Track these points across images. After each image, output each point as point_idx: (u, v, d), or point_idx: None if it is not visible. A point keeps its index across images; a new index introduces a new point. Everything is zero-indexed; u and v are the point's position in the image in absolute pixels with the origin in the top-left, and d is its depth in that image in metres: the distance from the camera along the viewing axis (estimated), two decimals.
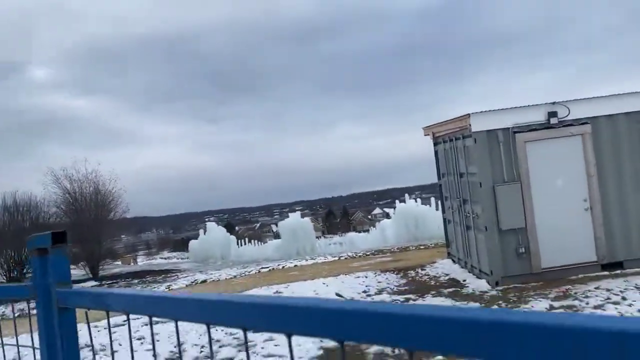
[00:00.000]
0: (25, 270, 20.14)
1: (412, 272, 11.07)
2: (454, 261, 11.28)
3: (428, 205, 21.91)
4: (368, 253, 16.25)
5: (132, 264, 33.16)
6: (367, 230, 34.34)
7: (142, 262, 35.44)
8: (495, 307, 7.80)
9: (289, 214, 24.36)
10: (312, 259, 16.69)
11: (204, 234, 26.10)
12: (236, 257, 24.38)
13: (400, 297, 9.05)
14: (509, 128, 9.05)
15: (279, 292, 10.70)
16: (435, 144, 11.62)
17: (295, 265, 15.00)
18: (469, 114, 9.05)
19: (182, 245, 46.68)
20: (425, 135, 12.05)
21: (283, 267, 15.06)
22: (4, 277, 19.75)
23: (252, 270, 15.40)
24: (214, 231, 26.09)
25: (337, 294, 9.34)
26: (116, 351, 7.51)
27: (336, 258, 15.60)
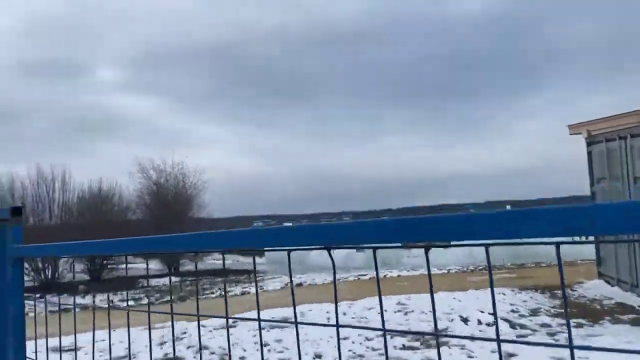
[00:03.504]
0: (106, 263, 19.76)
1: (559, 292, 9.42)
2: (609, 283, 9.53)
3: None
4: (480, 268, 14.62)
5: (198, 262, 32.80)
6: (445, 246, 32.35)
7: (208, 261, 35.09)
8: None
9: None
10: (409, 270, 15.24)
11: None
12: (313, 262, 23.31)
13: (572, 321, 7.45)
14: None
15: (403, 304, 9.36)
16: (589, 144, 9.94)
17: (399, 276, 13.61)
18: None
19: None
20: (572, 134, 10.39)
21: (385, 276, 13.69)
22: (87, 274, 19.36)
23: (348, 277, 14.15)
24: None
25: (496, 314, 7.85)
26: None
27: (444, 271, 14.07)
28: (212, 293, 13.78)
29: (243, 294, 13.18)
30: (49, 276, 17.55)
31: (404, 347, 6.74)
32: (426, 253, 0.95)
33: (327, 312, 9.08)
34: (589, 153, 10.04)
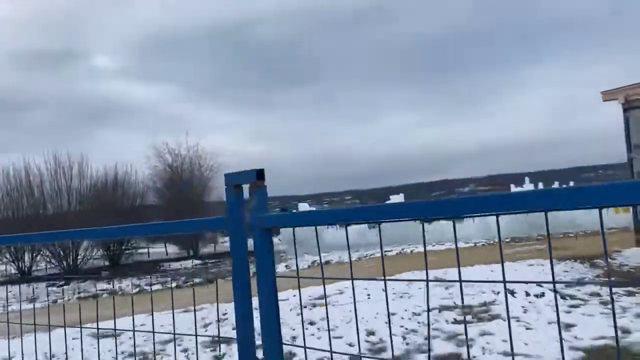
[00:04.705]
0: (125, 249, 19.73)
1: (600, 261, 9.29)
2: None
3: None
4: (507, 240, 14.51)
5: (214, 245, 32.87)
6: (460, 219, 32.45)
7: (224, 244, 35.21)
8: None
9: (390, 197, 22.82)
10: (434, 244, 15.14)
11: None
12: (330, 241, 23.29)
13: (620, 290, 7.34)
14: None
15: (439, 277, 9.25)
16: (626, 110, 9.70)
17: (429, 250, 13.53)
18: None
19: None
20: (606, 100, 10.12)
21: (412, 251, 13.61)
22: (107, 260, 19.33)
23: (373, 254, 14.07)
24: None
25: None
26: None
27: (470, 244, 13.97)
28: None
29: None
30: (71, 263, 17.54)
31: (455, 322, 6.64)
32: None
33: (365, 289, 8.98)
34: (626, 120, 9.80)
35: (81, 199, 18.51)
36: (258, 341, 1.38)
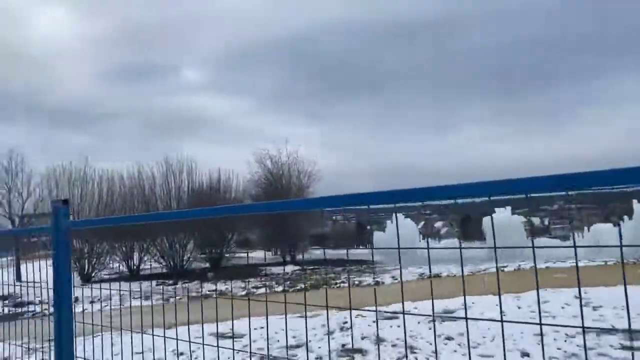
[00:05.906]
0: (224, 250, 20.15)
1: None
2: None
3: None
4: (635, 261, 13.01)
5: (305, 252, 33.10)
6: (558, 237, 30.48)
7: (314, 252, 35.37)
8: None
9: (495, 209, 21.50)
10: (555, 261, 13.90)
11: (391, 224, 24.96)
12: (423, 253, 22.49)
13: None
14: None
15: (582, 298, 8.29)
16: None
17: (547, 268, 12.42)
18: None
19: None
20: None
21: (531, 268, 12.54)
22: (206, 260, 19.82)
23: (487, 269, 13.13)
24: (401, 224, 24.60)
25: None
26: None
27: (599, 263, 12.66)
28: (343, 282, 13.37)
29: (377, 283, 12.63)
30: (177, 264, 18.14)
31: (622, 347, 5.76)
32: None
33: (496, 305, 8.23)
34: None
35: (189, 200, 19.22)
36: None
